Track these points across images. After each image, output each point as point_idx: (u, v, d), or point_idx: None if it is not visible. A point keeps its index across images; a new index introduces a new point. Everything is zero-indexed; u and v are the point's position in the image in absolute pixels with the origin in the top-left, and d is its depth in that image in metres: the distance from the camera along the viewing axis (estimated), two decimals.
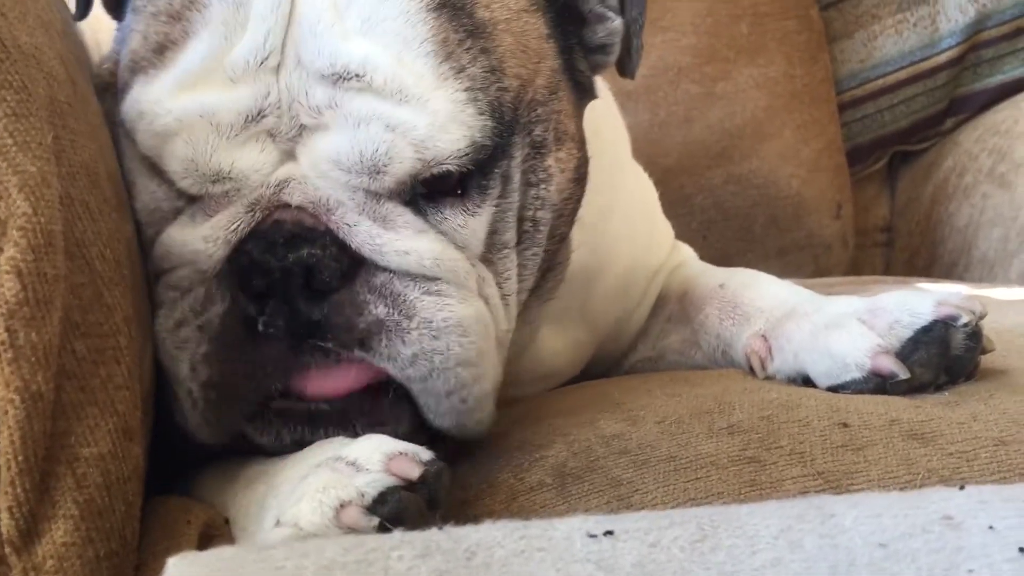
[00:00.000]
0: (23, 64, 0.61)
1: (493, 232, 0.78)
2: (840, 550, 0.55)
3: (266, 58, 0.72)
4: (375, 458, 0.66)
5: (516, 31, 0.79)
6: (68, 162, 0.63)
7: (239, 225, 0.73)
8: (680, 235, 1.28)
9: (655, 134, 1.79)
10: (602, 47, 0.86)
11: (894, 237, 2.01)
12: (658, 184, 1.77)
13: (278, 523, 0.65)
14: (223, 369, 0.73)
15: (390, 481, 0.65)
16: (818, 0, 1.93)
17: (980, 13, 1.89)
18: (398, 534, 0.54)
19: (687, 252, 1.17)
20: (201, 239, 0.74)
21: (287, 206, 0.73)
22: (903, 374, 0.82)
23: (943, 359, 0.83)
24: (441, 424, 0.75)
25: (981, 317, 0.83)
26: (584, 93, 0.87)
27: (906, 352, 0.83)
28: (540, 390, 0.99)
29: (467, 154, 0.73)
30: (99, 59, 0.84)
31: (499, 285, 0.79)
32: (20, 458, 0.58)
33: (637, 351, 1.09)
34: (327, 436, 0.74)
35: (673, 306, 1.06)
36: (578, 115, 0.86)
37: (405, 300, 0.73)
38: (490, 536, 0.54)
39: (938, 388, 0.83)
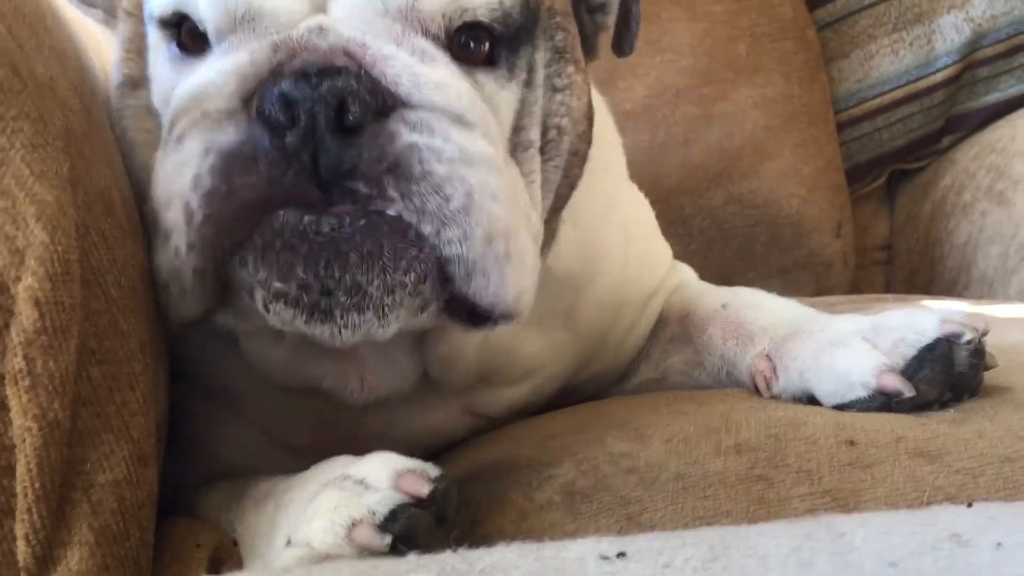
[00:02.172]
0: (39, 95, 0.62)
1: (519, 128, 0.79)
2: (851, 568, 0.56)
3: None
4: (384, 476, 0.67)
5: None
6: (84, 191, 0.64)
7: (258, 59, 0.70)
8: (681, 255, 1.28)
9: (655, 155, 1.81)
10: (602, 5, 0.90)
11: (894, 255, 2.02)
12: (659, 204, 1.78)
13: (289, 543, 0.65)
14: (230, 182, 0.67)
15: (400, 498, 0.65)
16: (815, 20, 1.95)
17: (975, 32, 1.91)
18: (413, 557, 0.54)
19: (687, 272, 1.17)
20: (214, 72, 0.71)
21: (316, 48, 0.70)
22: (908, 392, 0.82)
23: (948, 376, 0.83)
24: (477, 287, 0.70)
25: (984, 334, 0.84)
26: (589, 49, 0.90)
27: (911, 370, 0.83)
28: (526, 390, 0.99)
29: (496, 9, 0.75)
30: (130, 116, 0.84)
31: (526, 186, 0.79)
32: (37, 485, 0.58)
33: (640, 372, 1.10)
34: (348, 268, 0.67)
35: (675, 327, 1.07)
36: (585, 66, 0.89)
37: (439, 130, 0.70)
38: (504, 558, 0.55)
39: (943, 405, 0.84)
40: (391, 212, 0.68)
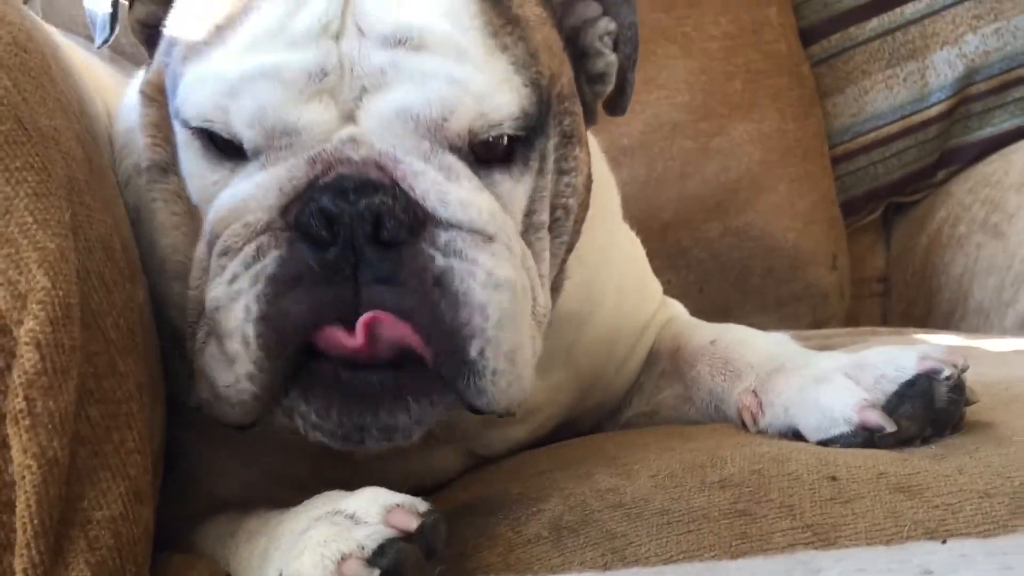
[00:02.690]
0: (43, 146, 0.65)
1: (531, 212, 0.83)
2: None
3: (328, 24, 0.76)
4: (373, 511, 0.69)
5: (544, 33, 0.85)
6: (85, 237, 0.66)
7: (296, 174, 0.75)
8: (678, 288, 1.30)
9: (652, 189, 1.83)
10: (601, 76, 0.93)
11: (891, 287, 2.04)
12: (656, 238, 1.80)
13: None
14: (279, 305, 0.73)
15: (389, 533, 0.68)
16: (809, 57, 1.98)
17: (968, 68, 1.94)
18: None
19: (677, 308, 1.19)
20: (255, 186, 0.75)
21: (350, 161, 0.75)
22: (890, 427, 0.84)
23: (928, 412, 0.85)
24: (483, 394, 0.76)
25: (963, 370, 0.86)
26: (589, 115, 0.93)
27: (892, 406, 0.85)
28: (525, 430, 1.01)
29: (519, 118, 0.78)
30: (141, 74, 0.88)
31: (537, 266, 0.83)
32: (36, 521, 0.60)
33: (632, 406, 1.11)
34: (378, 416, 0.74)
35: (665, 362, 1.08)
36: (585, 133, 0.92)
37: (469, 255, 0.75)
38: None
39: (925, 441, 0.85)
40: (426, 341, 0.74)
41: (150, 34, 0.87)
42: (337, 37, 0.76)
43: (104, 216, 0.71)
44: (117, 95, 0.93)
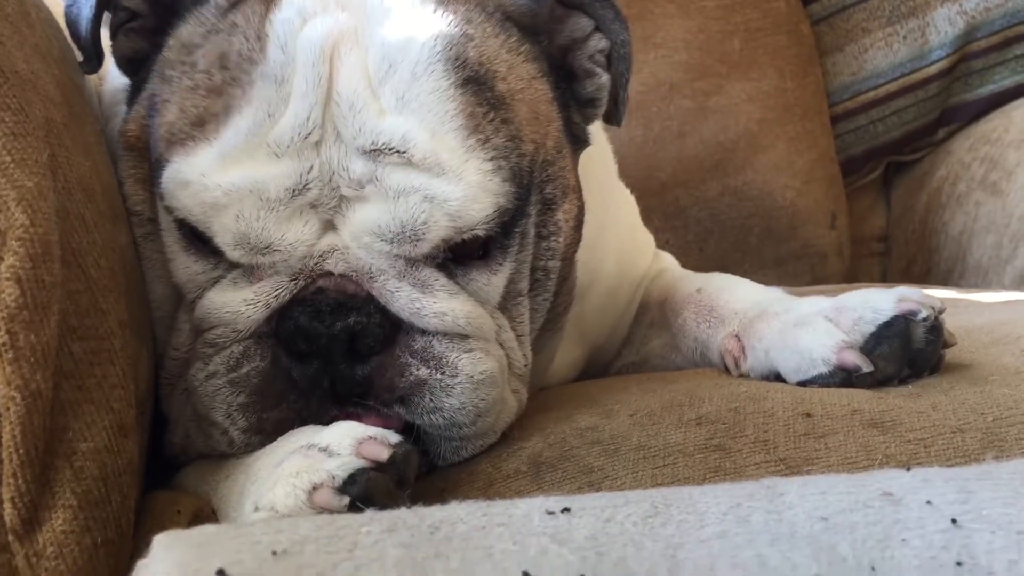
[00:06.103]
0: (20, 88, 0.66)
1: (510, 283, 0.84)
2: (784, 524, 0.59)
3: (308, 134, 0.77)
4: (345, 443, 0.71)
5: (529, 99, 0.85)
6: (64, 177, 0.68)
7: (281, 292, 0.78)
8: (677, 247, 1.30)
9: (649, 149, 1.83)
10: (592, 100, 0.92)
11: (891, 246, 2.04)
12: (654, 197, 1.80)
13: (256, 508, 0.70)
14: (261, 417, 0.78)
15: (359, 463, 0.69)
16: (809, 15, 1.97)
17: (969, 25, 1.93)
18: (368, 513, 0.58)
19: (668, 260, 1.21)
20: (242, 302, 0.79)
21: (329, 274, 0.78)
22: (867, 367, 0.85)
23: (905, 352, 0.86)
24: (454, 459, 0.81)
25: (940, 312, 0.87)
26: (579, 143, 0.93)
27: (870, 347, 0.86)
28: None
29: (493, 219, 0.79)
30: (121, 116, 0.88)
31: (514, 329, 0.85)
32: (21, 451, 0.62)
33: (622, 356, 1.13)
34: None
35: (654, 312, 1.10)
36: (575, 166, 0.92)
37: (447, 360, 0.79)
38: (454, 514, 0.58)
39: (903, 381, 0.87)
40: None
41: (136, 68, 0.86)
42: (318, 144, 0.77)
43: (83, 159, 0.72)
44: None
